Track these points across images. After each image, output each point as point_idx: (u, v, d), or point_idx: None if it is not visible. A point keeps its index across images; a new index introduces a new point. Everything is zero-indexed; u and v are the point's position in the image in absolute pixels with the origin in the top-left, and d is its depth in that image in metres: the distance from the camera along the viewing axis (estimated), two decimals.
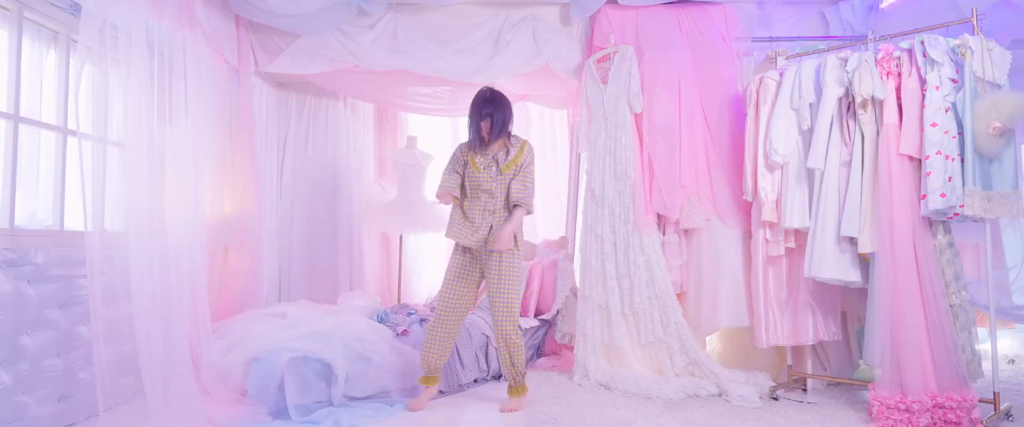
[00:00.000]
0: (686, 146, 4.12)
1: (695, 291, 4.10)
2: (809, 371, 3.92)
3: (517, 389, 3.46)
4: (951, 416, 3.01)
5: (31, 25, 3.07)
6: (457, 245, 3.49)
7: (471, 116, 3.40)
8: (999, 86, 3.23)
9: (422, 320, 4.03)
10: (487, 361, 4.08)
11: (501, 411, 3.38)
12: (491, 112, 3.35)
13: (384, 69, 4.46)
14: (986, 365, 3.54)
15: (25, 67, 2.98)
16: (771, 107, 3.79)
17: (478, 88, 4.92)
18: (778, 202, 3.76)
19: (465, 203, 3.46)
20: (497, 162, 3.39)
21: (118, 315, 3.05)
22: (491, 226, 3.38)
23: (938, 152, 3.17)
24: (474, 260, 3.47)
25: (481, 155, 3.42)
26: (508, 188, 3.39)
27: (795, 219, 3.63)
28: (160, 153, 3.17)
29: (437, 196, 3.50)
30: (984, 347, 3.65)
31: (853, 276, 3.48)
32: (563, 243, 5.22)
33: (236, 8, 4.04)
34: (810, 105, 3.63)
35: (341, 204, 5.32)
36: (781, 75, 3.80)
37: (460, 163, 3.47)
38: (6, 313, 2.62)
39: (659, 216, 4.16)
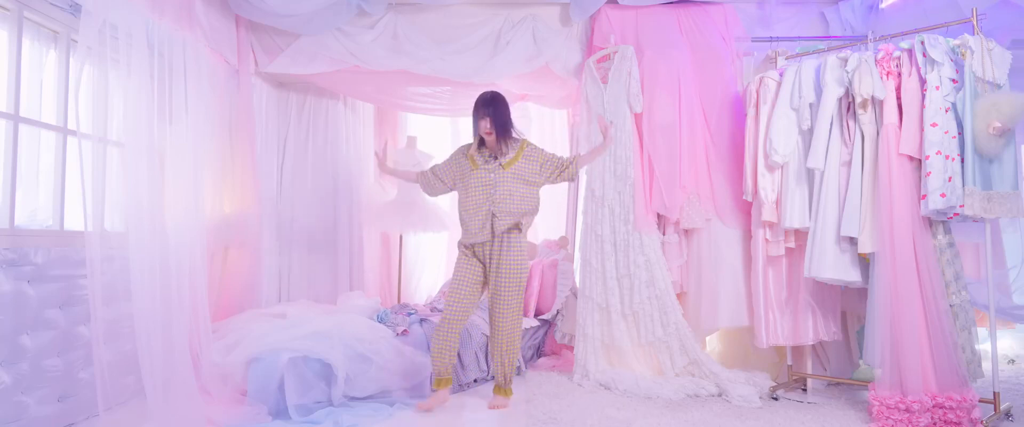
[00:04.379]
0: (686, 146, 4.12)
1: (695, 291, 4.10)
2: (809, 371, 3.92)
3: (504, 390, 3.56)
4: (951, 416, 3.01)
5: (31, 25, 3.07)
6: (462, 249, 3.56)
7: (473, 117, 3.50)
8: (999, 86, 3.23)
9: (422, 320, 4.02)
10: (487, 361, 4.08)
11: (489, 407, 3.49)
12: (490, 112, 3.43)
13: (384, 69, 4.47)
14: (986, 365, 3.54)
15: (25, 67, 2.97)
16: (771, 107, 3.79)
17: (478, 88, 4.93)
18: (778, 202, 3.75)
19: (460, 210, 3.56)
20: (496, 157, 3.48)
21: (118, 315, 3.05)
22: (492, 215, 3.40)
23: (938, 152, 3.16)
24: (479, 262, 3.53)
25: (479, 154, 3.52)
26: (530, 181, 3.49)
27: (795, 219, 3.63)
28: (160, 153, 3.17)
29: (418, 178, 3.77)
30: (984, 347, 3.66)
31: (853, 276, 3.48)
32: (563, 243, 5.22)
33: (236, 8, 4.04)
34: (810, 105, 3.63)
35: (341, 204, 5.31)
36: (781, 75, 3.80)
37: (453, 165, 3.63)
38: (6, 313, 2.62)
39: (659, 216, 4.16)
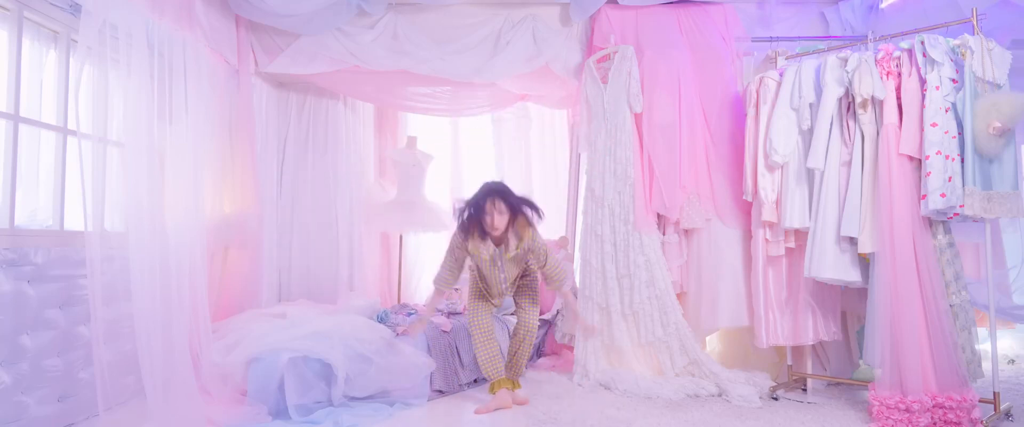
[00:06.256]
0: (686, 146, 4.12)
1: (695, 291, 4.10)
2: (809, 371, 3.92)
3: (515, 383, 3.63)
4: (951, 416, 3.01)
5: (31, 25, 3.07)
6: (477, 268, 3.56)
7: (480, 203, 3.33)
8: (999, 86, 3.23)
9: None
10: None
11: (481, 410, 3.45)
12: (512, 205, 3.34)
13: (384, 69, 4.47)
14: (986, 365, 3.54)
15: (25, 67, 2.98)
16: (771, 107, 3.79)
17: (478, 88, 4.91)
18: (778, 202, 3.75)
19: (479, 283, 3.61)
20: (502, 251, 3.42)
21: (118, 315, 3.05)
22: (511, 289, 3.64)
23: (938, 152, 3.16)
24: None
25: (483, 244, 3.41)
26: (522, 267, 3.57)
27: (795, 219, 3.63)
28: (160, 153, 3.17)
29: (435, 285, 3.62)
30: (984, 347, 3.65)
31: (853, 276, 3.48)
32: (563, 243, 5.21)
33: (236, 8, 4.04)
34: (810, 105, 3.63)
35: (341, 204, 5.31)
36: (781, 75, 3.80)
37: (459, 251, 3.50)
38: (6, 313, 2.62)
39: (659, 216, 4.16)
